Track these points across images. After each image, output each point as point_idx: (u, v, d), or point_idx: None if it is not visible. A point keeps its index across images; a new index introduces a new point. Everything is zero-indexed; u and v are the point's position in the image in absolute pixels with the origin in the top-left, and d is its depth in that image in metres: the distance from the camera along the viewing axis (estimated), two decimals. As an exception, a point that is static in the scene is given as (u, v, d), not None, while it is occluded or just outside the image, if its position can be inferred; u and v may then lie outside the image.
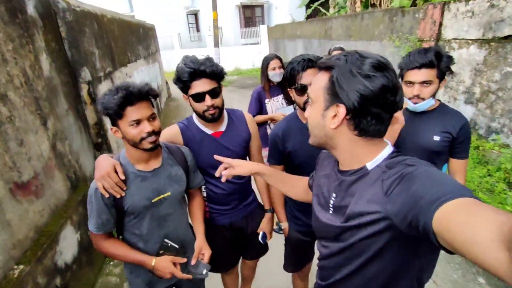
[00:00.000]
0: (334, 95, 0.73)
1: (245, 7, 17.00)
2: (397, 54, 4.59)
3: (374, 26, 5.13)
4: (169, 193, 1.31)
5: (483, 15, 3.20)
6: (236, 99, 8.78)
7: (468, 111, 3.55)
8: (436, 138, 1.43)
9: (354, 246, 0.77)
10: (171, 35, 15.22)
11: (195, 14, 18.41)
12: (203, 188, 1.57)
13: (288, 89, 1.45)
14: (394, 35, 4.56)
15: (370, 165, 0.76)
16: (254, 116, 2.81)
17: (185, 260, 1.35)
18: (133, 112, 1.14)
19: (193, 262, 1.37)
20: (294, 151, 1.46)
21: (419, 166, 0.66)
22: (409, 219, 0.59)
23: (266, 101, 2.73)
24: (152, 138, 1.19)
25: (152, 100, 1.26)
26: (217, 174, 1.18)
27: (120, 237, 1.36)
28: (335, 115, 0.74)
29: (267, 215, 1.72)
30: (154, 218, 1.30)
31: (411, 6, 5.10)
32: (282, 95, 2.71)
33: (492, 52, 3.16)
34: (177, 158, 1.39)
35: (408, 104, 1.48)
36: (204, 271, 1.37)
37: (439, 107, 1.49)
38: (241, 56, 14.85)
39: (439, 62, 1.34)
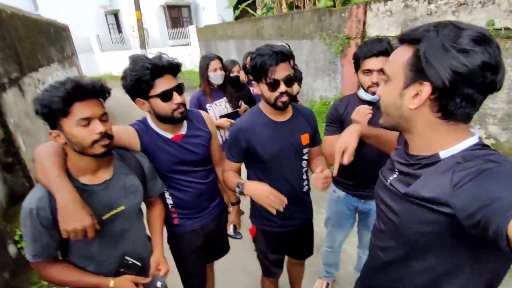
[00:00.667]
0: (418, 72, 0.65)
1: (170, 7, 16.32)
2: (328, 51, 4.87)
3: (304, 25, 5.36)
4: (123, 207, 1.14)
5: (400, 14, 3.58)
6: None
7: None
8: None
9: (407, 227, 0.72)
10: (89, 37, 13.73)
11: (115, 14, 16.99)
12: (167, 194, 1.43)
13: (255, 83, 1.36)
14: (324, 34, 4.82)
15: (443, 154, 0.69)
16: None
17: (147, 280, 1.20)
18: (82, 109, 0.95)
19: (149, 279, 1.22)
20: (261, 147, 1.38)
21: (504, 164, 0.59)
22: (478, 218, 0.54)
23: (208, 106, 2.49)
24: (106, 141, 1.00)
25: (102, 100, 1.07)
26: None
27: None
28: (416, 94, 0.67)
29: (234, 208, 1.69)
30: (108, 237, 1.12)
31: (333, 6, 5.50)
32: (224, 98, 2.56)
33: (410, 47, 3.55)
34: (132, 166, 1.22)
35: (365, 95, 1.50)
36: (159, 284, 1.22)
37: None
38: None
39: (392, 51, 1.39)
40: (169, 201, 1.45)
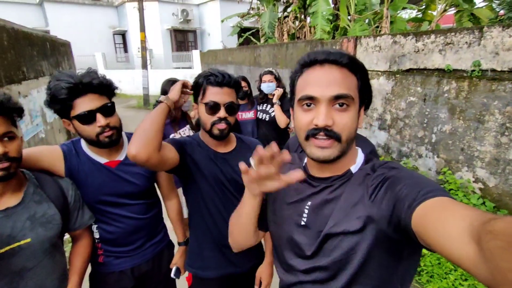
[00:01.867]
0: (363, 95, 0.73)
1: (177, 31, 16.83)
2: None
3: (298, 55, 5.38)
4: (28, 240, 0.98)
5: (388, 50, 3.55)
6: (164, 124, 8.28)
7: (382, 136, 3.81)
8: None
9: (338, 260, 0.70)
10: (94, 54, 14.04)
11: (123, 35, 17.51)
12: (94, 227, 1.25)
13: (195, 105, 1.25)
14: (316, 65, 4.81)
15: (354, 168, 0.75)
16: None
17: None
18: None
19: None
20: (202, 179, 1.22)
21: (401, 169, 0.67)
22: (393, 220, 0.60)
23: (172, 135, 2.35)
24: (4, 164, 0.89)
25: (15, 116, 0.97)
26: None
27: None
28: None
29: (181, 248, 1.47)
30: (2, 275, 0.95)
31: (333, 38, 5.56)
32: (188, 125, 2.45)
33: (397, 83, 3.49)
34: (50, 193, 1.07)
35: None
36: None
37: None
38: (173, 79, 14.43)
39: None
40: (96, 234, 1.27)
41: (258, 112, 2.94)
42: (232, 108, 1.18)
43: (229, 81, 1.17)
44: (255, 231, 0.88)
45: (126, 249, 1.30)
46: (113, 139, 1.15)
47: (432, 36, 3.02)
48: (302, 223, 0.77)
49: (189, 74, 14.16)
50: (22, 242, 0.98)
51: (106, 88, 1.12)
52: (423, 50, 3.13)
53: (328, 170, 0.76)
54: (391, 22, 6.00)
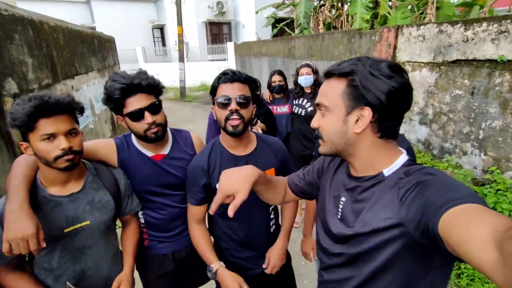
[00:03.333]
0: (356, 99, 0.73)
1: (212, 24, 17.05)
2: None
3: (334, 46, 5.25)
4: (87, 222, 1.13)
5: (433, 39, 3.34)
6: (200, 115, 8.56)
7: (422, 132, 3.63)
8: None
9: (363, 254, 0.75)
10: (135, 48, 14.75)
11: (161, 28, 18.15)
12: (140, 213, 1.38)
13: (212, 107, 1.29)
14: (353, 56, 4.65)
15: (387, 172, 0.76)
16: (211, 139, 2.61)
17: None
18: (47, 125, 0.97)
19: None
20: (213, 186, 1.27)
21: (437, 175, 0.66)
22: (422, 225, 0.60)
23: None
24: (69, 156, 1.01)
25: (78, 114, 1.09)
26: (211, 211, 0.90)
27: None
28: (357, 120, 0.74)
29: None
30: (68, 250, 1.10)
31: (370, 29, 5.31)
32: None
33: (442, 75, 3.28)
34: (106, 182, 1.21)
35: None
36: None
37: None
38: (208, 71, 14.76)
39: None
40: (141, 220, 1.40)
41: (294, 107, 2.94)
42: (244, 102, 1.18)
43: (240, 76, 1.19)
44: (274, 188, 1.08)
45: (167, 234, 1.42)
46: (159, 135, 1.25)
47: (484, 24, 2.79)
48: (339, 216, 0.85)
49: (224, 66, 14.36)
50: (83, 224, 1.12)
51: (153, 88, 1.22)
52: (473, 39, 2.91)
53: (359, 170, 0.82)
54: (437, 8, 5.59)
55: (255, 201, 1.18)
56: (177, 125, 7.71)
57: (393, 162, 0.77)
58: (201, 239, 1.32)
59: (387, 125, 0.74)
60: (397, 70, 0.72)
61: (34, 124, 0.96)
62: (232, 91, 1.17)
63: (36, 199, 1.04)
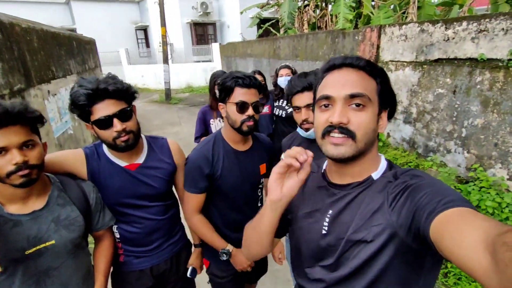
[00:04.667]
0: (385, 100, 0.73)
1: (196, 25, 16.89)
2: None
3: (318, 47, 5.24)
4: (52, 242, 1.03)
5: (415, 39, 3.36)
6: (185, 117, 8.43)
7: (407, 131, 3.66)
8: None
9: (356, 269, 0.70)
10: (118, 50, 14.43)
11: (145, 30, 17.85)
12: (114, 228, 1.30)
13: (221, 105, 1.37)
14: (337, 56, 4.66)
15: (375, 175, 0.75)
16: (198, 137, 2.66)
17: None
18: None
19: None
20: (223, 177, 1.33)
21: (424, 177, 0.66)
22: (413, 230, 0.60)
23: (211, 121, 2.59)
24: (24, 172, 0.92)
25: (37, 123, 1.00)
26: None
27: None
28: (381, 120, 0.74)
29: (197, 250, 1.52)
30: (30, 274, 1.00)
31: (354, 28, 5.33)
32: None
33: (425, 74, 3.31)
34: (73, 196, 1.12)
35: (301, 132, 1.46)
36: None
37: None
38: (193, 73, 14.62)
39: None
40: (116, 235, 1.31)
41: (275, 108, 2.90)
42: (257, 107, 1.31)
43: (255, 82, 1.29)
44: (271, 242, 0.87)
45: (145, 249, 1.34)
46: (129, 144, 1.17)
47: (464, 23, 2.82)
48: (323, 232, 0.78)
49: (209, 67, 14.25)
50: (47, 244, 1.03)
51: (122, 93, 1.13)
52: (453, 38, 2.94)
53: (348, 175, 0.77)
54: (419, 7, 5.67)
55: (248, 190, 1.43)
56: (162, 128, 7.59)
57: (379, 165, 0.77)
58: (206, 228, 1.41)
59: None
60: None
61: None
62: (249, 96, 1.27)
63: None
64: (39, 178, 1.00)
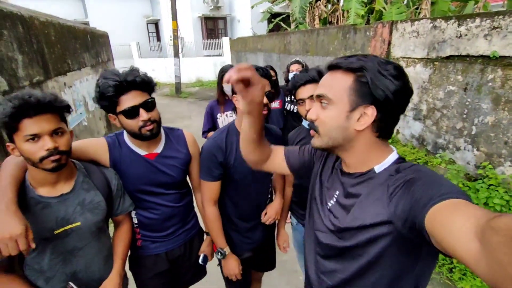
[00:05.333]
0: (363, 96, 0.73)
1: (207, 19, 16.91)
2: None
3: (329, 42, 5.23)
4: (78, 223, 1.11)
5: (427, 35, 3.34)
6: (196, 111, 8.51)
7: (416, 127, 3.65)
8: None
9: (351, 249, 0.77)
10: (130, 44, 14.58)
11: (156, 24, 17.95)
12: (133, 214, 1.37)
13: (234, 97, 1.42)
14: (348, 52, 4.66)
15: (378, 168, 0.77)
16: (206, 132, 2.69)
17: None
18: (30, 125, 0.94)
19: None
20: (236, 166, 1.39)
21: (424, 172, 0.68)
22: (409, 222, 0.62)
23: (218, 115, 2.59)
24: (55, 157, 0.99)
25: (65, 113, 1.07)
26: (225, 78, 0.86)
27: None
28: (359, 117, 0.75)
29: (208, 237, 1.58)
30: (58, 252, 1.09)
31: (366, 24, 5.30)
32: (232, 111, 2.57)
33: (436, 71, 3.29)
34: (97, 182, 1.19)
35: (305, 124, 1.53)
36: None
37: None
38: (203, 67, 14.66)
39: (321, 77, 1.39)
40: (134, 220, 1.39)
41: (286, 103, 2.94)
42: (269, 96, 1.34)
43: (266, 73, 1.32)
44: (260, 145, 1.03)
45: (161, 234, 1.41)
46: (154, 132, 1.24)
47: (477, 20, 2.79)
48: (328, 207, 0.87)
49: (219, 61, 14.28)
50: (73, 225, 1.11)
51: (147, 85, 1.21)
52: (466, 35, 2.92)
53: (349, 166, 0.83)
54: (432, 3, 5.58)
55: (259, 179, 1.48)
56: (173, 121, 7.68)
57: (385, 159, 0.78)
58: (216, 223, 1.47)
59: (387, 124, 0.76)
60: (401, 72, 0.73)
61: (17, 125, 0.94)
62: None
63: (25, 200, 1.02)
64: (67, 163, 1.08)
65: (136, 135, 1.23)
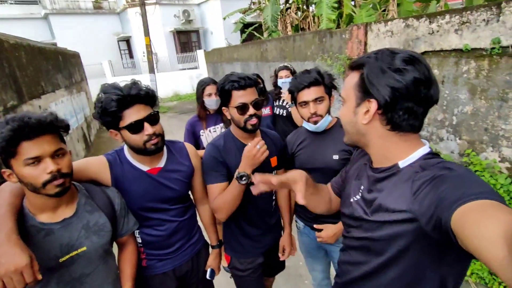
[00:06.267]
0: (365, 91, 0.75)
1: (180, 33, 16.87)
2: (330, 71, 4.79)
3: (306, 47, 5.35)
4: (84, 248, 1.04)
5: (401, 34, 3.49)
6: (177, 125, 8.38)
7: (399, 122, 3.77)
8: (335, 157, 1.45)
9: (376, 241, 0.76)
10: (102, 63, 14.23)
11: (127, 40, 17.67)
12: (136, 233, 1.31)
13: (225, 108, 1.39)
14: (326, 55, 4.78)
15: (402, 164, 0.76)
16: None
17: None
18: (30, 148, 0.88)
19: None
20: (234, 171, 1.34)
21: (454, 170, 0.65)
22: (434, 220, 0.60)
23: (201, 132, 2.41)
24: (59, 181, 0.93)
25: (63, 133, 1.01)
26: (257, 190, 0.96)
27: None
28: (366, 111, 0.76)
29: (214, 251, 1.54)
30: (64, 282, 1.01)
31: (336, 28, 5.47)
32: (222, 124, 2.45)
33: (413, 67, 3.43)
34: (100, 203, 1.13)
35: (308, 126, 1.52)
36: None
37: (336, 123, 1.53)
38: (180, 81, 14.56)
39: (322, 79, 1.43)
40: (138, 239, 1.32)
41: (275, 108, 2.95)
42: (257, 104, 1.35)
43: (250, 82, 1.32)
44: (318, 193, 1.08)
45: (167, 251, 1.35)
46: (159, 146, 1.20)
47: (447, 17, 2.96)
48: (355, 198, 0.89)
49: (195, 74, 14.24)
50: (79, 251, 1.04)
51: (151, 99, 1.17)
52: (438, 31, 3.08)
53: (374, 160, 0.85)
54: (398, 5, 5.87)
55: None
56: (154, 137, 7.48)
57: (410, 155, 0.76)
58: (224, 192, 1.36)
59: (396, 119, 0.73)
60: (412, 62, 0.69)
61: (15, 149, 0.88)
62: (247, 97, 1.31)
63: (24, 228, 0.95)
64: (70, 187, 1.01)
65: (141, 151, 1.18)
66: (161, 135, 1.20)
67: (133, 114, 1.12)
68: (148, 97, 1.15)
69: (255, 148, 1.26)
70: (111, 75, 14.53)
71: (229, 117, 1.37)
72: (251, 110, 1.32)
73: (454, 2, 8.87)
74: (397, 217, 0.69)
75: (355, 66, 0.80)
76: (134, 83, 1.15)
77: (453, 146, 3.14)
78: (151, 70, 11.04)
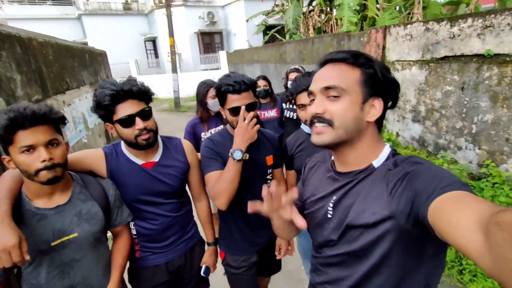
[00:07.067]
0: (373, 88, 0.75)
1: (203, 34, 17.19)
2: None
3: (324, 50, 5.29)
4: (75, 234, 1.10)
5: (420, 38, 3.38)
6: (195, 125, 8.51)
7: (416, 129, 3.64)
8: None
9: (357, 252, 0.75)
10: (128, 62, 14.79)
11: (153, 41, 18.26)
12: (131, 224, 1.35)
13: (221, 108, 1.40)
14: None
15: (376, 163, 0.77)
16: None
17: None
18: (25, 137, 0.95)
19: None
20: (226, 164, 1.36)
21: (424, 164, 0.67)
22: (412, 216, 0.61)
23: (202, 134, 2.41)
24: (50, 170, 0.99)
25: (60, 124, 1.07)
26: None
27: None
28: (369, 109, 0.76)
29: (210, 248, 1.55)
30: (55, 265, 1.08)
31: (360, 31, 5.38)
32: (223, 125, 2.45)
33: (432, 72, 3.31)
34: (94, 193, 1.19)
35: (306, 129, 1.53)
36: None
37: None
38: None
39: None
40: (133, 231, 1.37)
41: (286, 111, 2.93)
42: (250, 107, 1.35)
43: (245, 87, 1.32)
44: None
45: (160, 245, 1.39)
46: (150, 141, 1.23)
47: (469, 20, 2.82)
48: (329, 215, 0.84)
49: (217, 75, 14.44)
50: (70, 236, 1.10)
51: (144, 94, 1.21)
52: (459, 35, 2.94)
53: (348, 163, 0.81)
54: (424, 8, 5.67)
55: (258, 185, 1.37)
56: (172, 134, 7.66)
57: (381, 153, 0.78)
58: (222, 173, 1.34)
59: (383, 117, 0.78)
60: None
61: (12, 137, 0.95)
62: (241, 101, 1.31)
63: (20, 212, 1.02)
64: (64, 176, 1.07)
65: (132, 144, 1.23)
66: (153, 130, 1.24)
67: (125, 109, 1.16)
68: (141, 93, 1.19)
69: (244, 122, 1.27)
70: (137, 74, 15.07)
71: (225, 117, 1.40)
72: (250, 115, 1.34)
73: (487, 5, 8.43)
74: (376, 218, 0.69)
75: (350, 62, 0.76)
76: (130, 80, 1.20)
77: (471, 156, 2.99)
78: (174, 70, 11.34)
